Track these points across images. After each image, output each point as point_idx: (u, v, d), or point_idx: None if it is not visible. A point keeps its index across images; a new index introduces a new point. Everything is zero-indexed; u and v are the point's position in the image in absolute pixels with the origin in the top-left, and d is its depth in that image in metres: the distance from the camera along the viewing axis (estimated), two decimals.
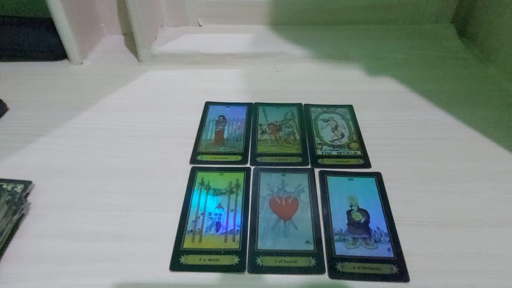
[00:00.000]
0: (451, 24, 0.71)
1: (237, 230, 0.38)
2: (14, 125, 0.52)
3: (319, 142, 0.49)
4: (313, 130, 0.51)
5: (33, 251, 0.37)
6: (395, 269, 0.35)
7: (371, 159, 0.46)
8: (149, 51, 0.64)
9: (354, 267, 0.35)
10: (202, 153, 0.47)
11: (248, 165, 0.46)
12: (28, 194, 0.42)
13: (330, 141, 0.49)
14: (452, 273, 0.35)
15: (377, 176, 0.44)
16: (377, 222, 0.39)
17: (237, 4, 0.69)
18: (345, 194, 0.42)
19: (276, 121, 0.53)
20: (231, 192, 0.42)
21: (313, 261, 0.36)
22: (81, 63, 0.65)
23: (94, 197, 0.42)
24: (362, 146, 0.48)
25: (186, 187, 0.43)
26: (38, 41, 0.64)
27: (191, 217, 0.40)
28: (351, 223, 0.39)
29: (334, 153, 0.47)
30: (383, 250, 0.37)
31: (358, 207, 0.41)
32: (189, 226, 0.39)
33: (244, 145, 0.49)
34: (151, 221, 0.40)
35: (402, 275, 0.35)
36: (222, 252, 0.36)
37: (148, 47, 0.64)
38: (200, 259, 0.36)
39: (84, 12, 0.65)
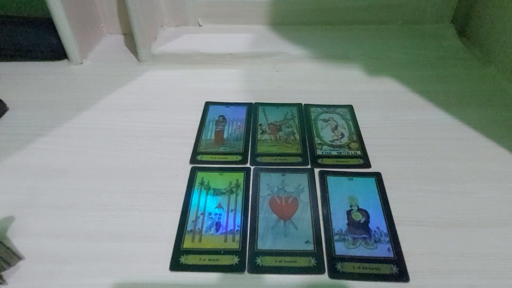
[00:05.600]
0: (451, 24, 0.71)
1: (237, 230, 0.38)
2: (14, 125, 0.52)
3: (319, 142, 0.49)
4: (313, 130, 0.51)
5: (33, 251, 0.37)
6: (395, 269, 0.35)
7: (371, 159, 0.46)
8: (149, 51, 0.64)
9: (354, 267, 0.35)
10: (202, 153, 0.47)
11: (248, 165, 0.46)
12: None
13: (330, 141, 0.49)
14: (452, 273, 0.35)
15: (377, 176, 0.44)
16: (377, 222, 0.39)
17: (237, 4, 0.69)
18: (345, 194, 0.42)
19: (276, 121, 0.53)
20: (231, 192, 0.42)
21: (313, 261, 0.36)
22: (81, 63, 0.65)
23: (94, 197, 0.42)
24: (362, 146, 0.48)
25: (186, 187, 0.43)
26: (38, 41, 0.64)
27: (191, 217, 0.40)
28: (351, 223, 0.39)
29: (334, 153, 0.47)
30: (383, 250, 0.37)
31: (358, 207, 0.41)
32: (189, 226, 0.39)
33: (244, 145, 0.49)
34: (151, 221, 0.40)
35: (402, 275, 0.35)
36: (222, 252, 0.36)
37: (148, 47, 0.64)
38: (200, 259, 0.36)
39: (84, 12, 0.65)
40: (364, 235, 0.38)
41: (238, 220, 0.39)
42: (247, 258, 0.36)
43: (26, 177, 0.44)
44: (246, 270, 0.35)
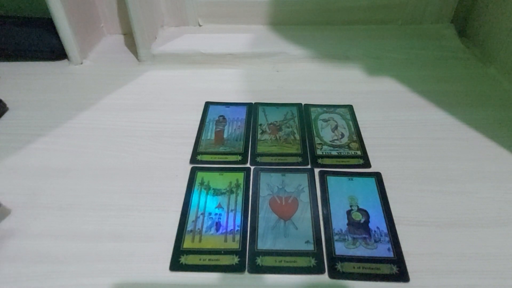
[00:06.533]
0: (451, 24, 0.71)
1: (237, 230, 0.38)
2: (14, 125, 0.52)
3: (319, 142, 0.49)
4: (313, 130, 0.51)
5: (33, 251, 0.37)
6: (395, 269, 0.35)
7: (371, 159, 0.46)
8: (149, 51, 0.64)
9: (354, 267, 0.35)
10: (202, 153, 0.47)
11: (248, 165, 0.46)
12: None
13: (330, 141, 0.49)
14: (452, 273, 0.35)
15: (377, 176, 0.44)
16: (377, 222, 0.39)
17: (237, 4, 0.69)
18: (345, 194, 0.42)
19: (276, 121, 0.53)
20: (231, 192, 0.42)
21: (313, 261, 0.36)
22: (81, 63, 0.65)
23: (94, 197, 0.42)
24: (362, 146, 0.48)
25: (186, 187, 0.43)
26: (38, 41, 0.64)
27: (191, 217, 0.40)
28: (351, 223, 0.39)
29: (334, 153, 0.47)
30: (383, 250, 0.37)
31: (358, 207, 0.41)
32: (189, 226, 0.39)
33: (244, 145, 0.49)
34: (151, 221, 0.40)
35: (402, 275, 0.35)
36: (222, 252, 0.36)
37: (148, 47, 0.64)
38: (200, 259, 0.36)
39: (84, 12, 0.65)
40: (364, 235, 0.38)
41: (238, 220, 0.39)
42: (247, 258, 0.36)
43: (26, 177, 0.44)
44: (246, 270, 0.35)
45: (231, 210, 0.40)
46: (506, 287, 0.34)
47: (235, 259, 0.36)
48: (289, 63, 0.65)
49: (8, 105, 0.55)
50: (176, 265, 0.35)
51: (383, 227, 0.38)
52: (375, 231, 0.38)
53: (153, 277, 0.35)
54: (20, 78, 0.62)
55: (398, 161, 0.46)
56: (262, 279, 0.35)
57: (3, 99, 0.55)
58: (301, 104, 0.56)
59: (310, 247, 0.37)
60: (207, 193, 0.42)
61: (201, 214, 0.40)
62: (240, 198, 0.42)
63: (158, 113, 0.54)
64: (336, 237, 0.38)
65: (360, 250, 0.37)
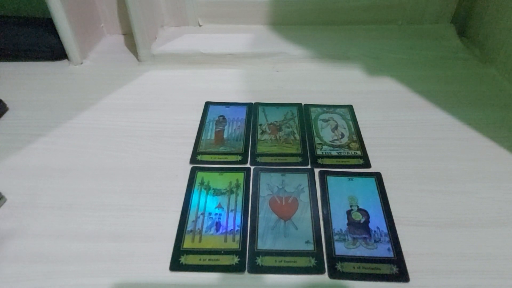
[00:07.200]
0: (451, 24, 0.71)
1: (237, 230, 0.38)
2: (14, 125, 0.52)
3: (319, 142, 0.49)
4: (313, 130, 0.51)
5: (33, 251, 0.37)
6: (395, 269, 0.35)
7: (371, 159, 0.46)
8: (149, 51, 0.64)
9: (354, 267, 0.35)
10: (202, 153, 0.47)
11: (248, 165, 0.46)
12: None
13: (330, 141, 0.49)
14: (452, 273, 0.35)
15: (377, 176, 0.44)
16: (377, 222, 0.39)
17: (237, 4, 0.69)
18: (345, 194, 0.42)
19: (276, 121, 0.53)
20: (231, 192, 0.42)
21: (313, 261, 0.36)
22: (81, 63, 0.65)
23: (94, 197, 0.42)
24: (362, 146, 0.48)
25: (186, 187, 0.43)
26: (38, 41, 0.64)
27: (191, 217, 0.40)
28: (351, 223, 0.39)
29: (334, 153, 0.47)
30: (383, 250, 0.37)
31: (358, 207, 0.41)
32: (189, 226, 0.39)
33: (244, 145, 0.49)
34: (151, 221, 0.40)
35: (402, 275, 0.35)
36: (222, 252, 0.36)
37: (148, 47, 0.64)
38: (200, 259, 0.36)
39: (84, 12, 0.65)
40: (364, 235, 0.38)
41: (238, 220, 0.39)
42: (247, 258, 0.36)
43: (26, 177, 0.44)
44: (246, 270, 0.35)
45: (231, 210, 0.40)
46: (506, 287, 0.34)
47: (235, 259, 0.36)
48: (289, 63, 0.65)
49: (8, 105, 0.55)
50: (176, 265, 0.35)
51: (383, 227, 0.38)
52: (375, 231, 0.38)
53: (153, 277, 0.35)
54: (20, 78, 0.62)
55: (398, 161, 0.46)
56: (262, 279, 0.35)
57: (3, 99, 0.55)
58: (301, 104, 0.56)
59: (310, 247, 0.37)
60: (207, 193, 0.42)
61: (201, 214, 0.40)
62: (240, 198, 0.42)
63: (158, 113, 0.54)
64: (336, 237, 0.38)
65: (360, 250, 0.37)
